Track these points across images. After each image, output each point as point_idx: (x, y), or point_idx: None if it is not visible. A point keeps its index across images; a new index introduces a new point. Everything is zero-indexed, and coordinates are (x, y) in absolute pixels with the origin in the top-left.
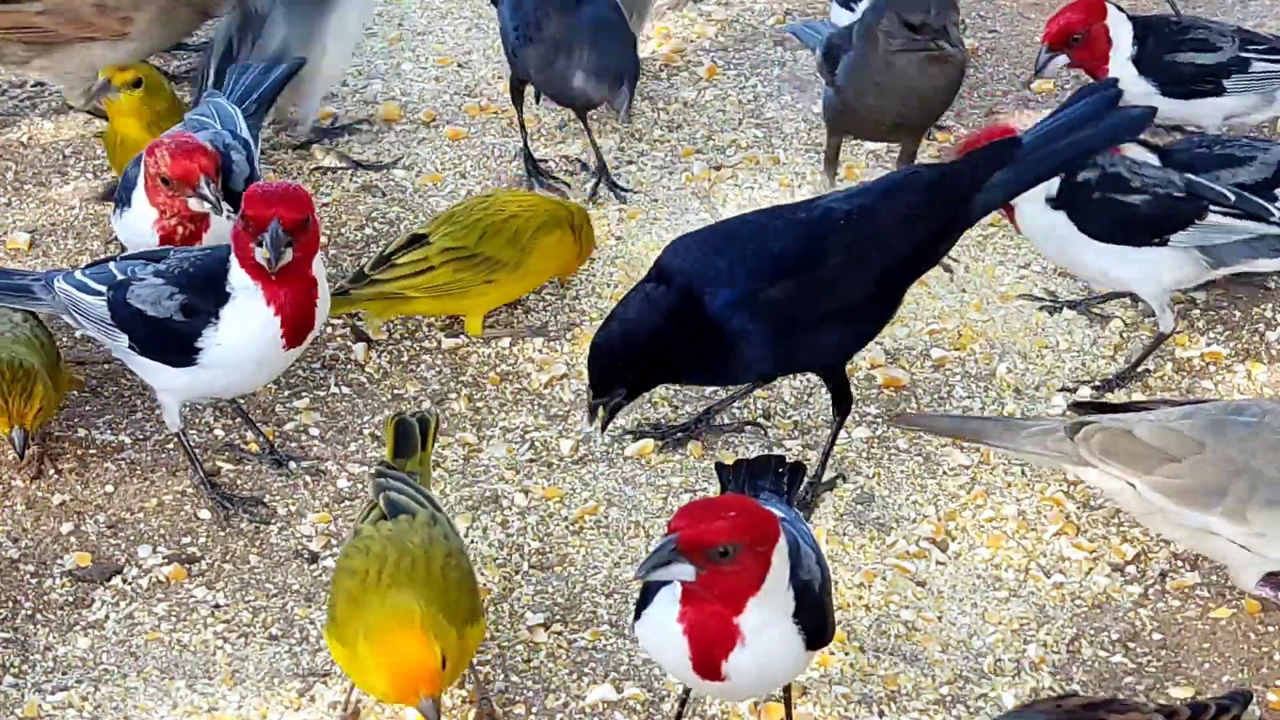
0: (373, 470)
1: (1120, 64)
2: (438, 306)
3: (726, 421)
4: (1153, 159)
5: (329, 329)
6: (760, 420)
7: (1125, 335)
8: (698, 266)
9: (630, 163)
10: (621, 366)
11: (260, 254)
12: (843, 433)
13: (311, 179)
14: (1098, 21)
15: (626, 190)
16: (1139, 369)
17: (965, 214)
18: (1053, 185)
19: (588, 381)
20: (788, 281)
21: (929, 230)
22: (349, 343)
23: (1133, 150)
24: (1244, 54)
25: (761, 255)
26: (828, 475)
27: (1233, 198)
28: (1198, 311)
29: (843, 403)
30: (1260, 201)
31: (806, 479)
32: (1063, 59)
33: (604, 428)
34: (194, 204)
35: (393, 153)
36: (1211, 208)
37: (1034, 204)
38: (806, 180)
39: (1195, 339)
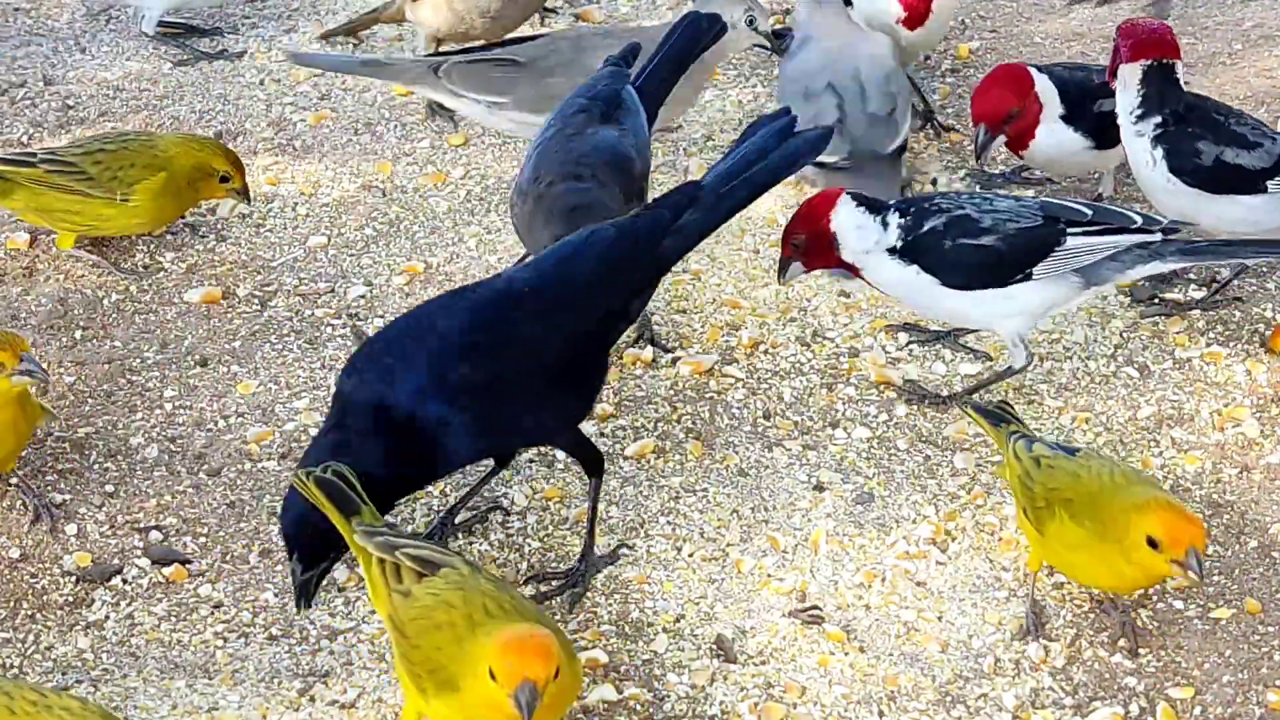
0: (359, 531)
1: (1052, 124)
2: (38, 203)
3: (469, 515)
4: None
5: (329, 329)
6: (498, 504)
7: (1125, 336)
8: (379, 378)
9: None
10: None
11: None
12: (842, 433)
13: (311, 180)
14: (1029, 93)
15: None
16: (981, 390)
17: (656, 260)
18: (890, 236)
19: (294, 558)
20: (478, 358)
21: (621, 284)
22: (349, 343)
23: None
24: None
25: (444, 338)
26: (605, 547)
27: (1090, 213)
28: (1198, 311)
29: (592, 464)
30: (1121, 210)
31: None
32: (1002, 137)
33: (308, 603)
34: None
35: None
36: (1069, 230)
37: (877, 257)
38: (806, 179)
39: (1195, 339)
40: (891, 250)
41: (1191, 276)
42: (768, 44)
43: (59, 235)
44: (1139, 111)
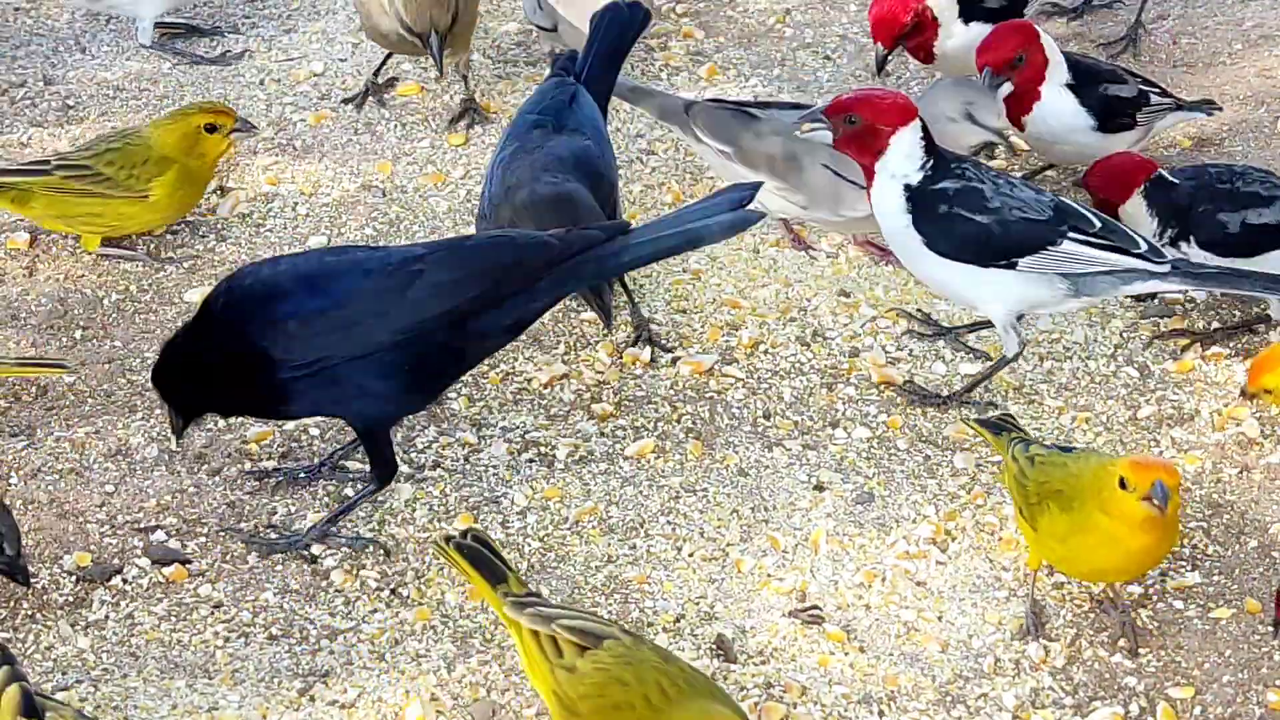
0: (509, 602)
1: (1057, 89)
2: (57, 209)
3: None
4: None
5: None
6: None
7: (1125, 336)
8: (249, 292)
9: (632, 163)
10: (171, 391)
11: None
12: (842, 433)
13: (311, 180)
14: (1035, 40)
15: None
16: (979, 385)
17: (538, 288)
18: (914, 178)
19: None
20: (333, 324)
21: (494, 288)
22: None
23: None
24: (1141, 88)
25: (300, 281)
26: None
27: (1098, 224)
28: (1198, 312)
29: (378, 470)
30: (1128, 232)
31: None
32: (1009, 86)
33: (179, 438)
34: None
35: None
36: (1070, 235)
37: (893, 184)
38: None
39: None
40: (906, 187)
41: None
42: (998, 139)
43: (84, 238)
44: (1169, 234)
